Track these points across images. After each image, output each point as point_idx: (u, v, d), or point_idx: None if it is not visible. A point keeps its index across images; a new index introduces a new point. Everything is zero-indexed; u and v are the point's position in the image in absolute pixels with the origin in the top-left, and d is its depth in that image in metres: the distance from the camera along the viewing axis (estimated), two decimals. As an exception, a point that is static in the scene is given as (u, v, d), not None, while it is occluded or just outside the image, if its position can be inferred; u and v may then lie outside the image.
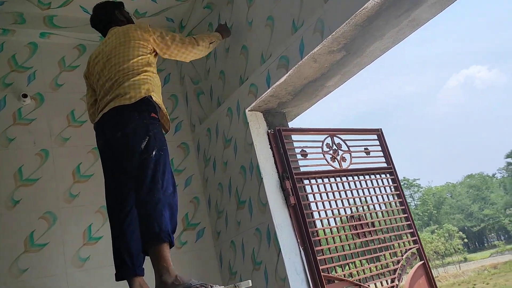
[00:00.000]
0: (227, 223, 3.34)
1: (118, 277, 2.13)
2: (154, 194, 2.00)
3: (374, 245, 3.12)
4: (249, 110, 3.07)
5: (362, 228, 3.13)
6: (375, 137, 3.58)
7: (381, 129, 3.62)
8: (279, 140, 3.05)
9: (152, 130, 2.14)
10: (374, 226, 3.20)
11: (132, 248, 2.07)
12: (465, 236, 38.61)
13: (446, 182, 49.26)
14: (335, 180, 3.18)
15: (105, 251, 3.08)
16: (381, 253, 3.12)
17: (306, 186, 3.04)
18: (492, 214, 41.69)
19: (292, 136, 3.17)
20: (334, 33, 2.32)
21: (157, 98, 2.27)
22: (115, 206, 2.19)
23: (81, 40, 3.57)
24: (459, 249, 36.65)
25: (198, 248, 3.46)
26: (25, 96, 3.17)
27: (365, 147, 3.49)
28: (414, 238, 3.35)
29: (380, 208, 3.33)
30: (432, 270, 3.34)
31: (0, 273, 2.77)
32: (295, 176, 2.96)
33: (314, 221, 2.96)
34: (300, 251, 2.82)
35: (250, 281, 1.89)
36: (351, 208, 3.17)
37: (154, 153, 2.08)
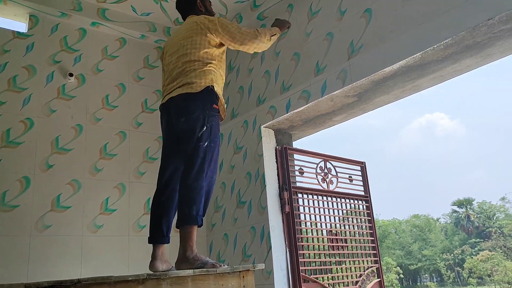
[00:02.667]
0: (223, 217, 3.85)
1: (152, 241, 2.47)
2: (199, 181, 2.34)
3: (344, 258, 3.72)
4: (264, 127, 3.61)
5: (337, 242, 3.72)
6: (359, 168, 4.20)
7: (365, 162, 4.24)
8: (284, 156, 3.61)
9: (210, 122, 2.39)
10: (346, 242, 3.80)
11: (170, 220, 2.48)
12: (401, 272, 40.34)
13: (393, 218, 51.16)
14: (322, 198, 3.76)
15: (117, 222, 3.55)
16: (348, 266, 3.72)
17: (299, 199, 3.60)
18: (430, 256, 43.65)
19: (294, 154, 3.73)
20: (354, 83, 2.91)
21: (218, 88, 2.51)
22: (165, 181, 2.53)
23: (124, 34, 4.01)
24: (393, 283, 38.31)
25: (191, 235, 3.94)
26: (71, 75, 3.59)
27: (350, 175, 4.10)
28: (376, 258, 3.98)
29: (353, 228, 3.94)
30: (385, 288, 3.96)
31: (28, 225, 3.17)
32: (292, 189, 3.53)
33: (301, 229, 3.52)
34: (286, 251, 3.38)
35: (263, 264, 2.40)
36: (331, 224, 3.75)
37: (206, 143, 2.38)
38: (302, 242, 3.48)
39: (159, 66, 3.64)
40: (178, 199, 2.42)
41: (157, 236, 2.47)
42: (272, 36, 2.79)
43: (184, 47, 2.55)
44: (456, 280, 39.97)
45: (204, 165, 2.38)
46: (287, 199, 3.48)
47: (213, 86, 2.46)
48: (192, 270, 2.03)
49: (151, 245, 2.47)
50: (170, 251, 3.00)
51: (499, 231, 38.91)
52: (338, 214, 3.86)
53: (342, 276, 3.65)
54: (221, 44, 2.66)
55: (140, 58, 4.10)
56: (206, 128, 2.39)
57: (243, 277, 2.14)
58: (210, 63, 2.53)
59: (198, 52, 2.52)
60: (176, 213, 2.42)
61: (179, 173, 2.49)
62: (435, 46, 2.50)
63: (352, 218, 3.96)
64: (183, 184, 2.38)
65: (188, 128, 2.40)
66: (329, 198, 3.82)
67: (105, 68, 3.87)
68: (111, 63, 3.92)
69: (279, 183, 3.54)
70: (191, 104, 2.41)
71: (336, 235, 3.75)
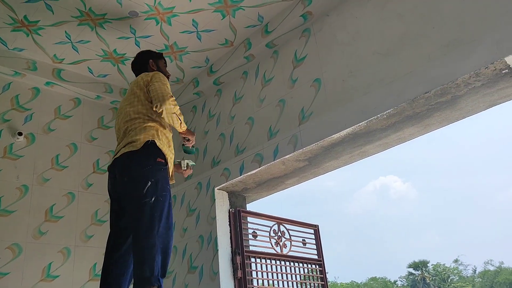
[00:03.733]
0: (174, 283, 3.70)
1: None
2: (149, 240, 2.21)
3: (298, 325, 3.63)
4: (217, 189, 3.61)
5: (290, 309, 3.64)
6: (312, 231, 4.22)
7: (318, 225, 4.27)
8: (238, 219, 3.58)
9: (155, 177, 2.29)
10: (300, 309, 3.73)
11: (122, 285, 2.34)
12: (361, 337, 39.47)
13: (352, 281, 50.73)
14: (276, 262, 3.72)
15: (59, 290, 3.33)
16: (302, 333, 3.63)
17: (252, 263, 3.55)
18: (388, 320, 43.17)
19: (248, 217, 3.72)
20: (304, 148, 3.00)
21: (161, 145, 2.39)
22: (113, 244, 2.41)
23: (79, 94, 3.99)
24: None
25: (139, 302, 3.74)
26: (20, 134, 3.49)
27: (303, 238, 4.10)
28: (330, 325, 3.90)
29: (307, 293, 3.88)
30: None
31: (-42, 294, 2.93)
32: (245, 253, 3.47)
33: (253, 295, 3.44)
34: (238, 319, 3.26)
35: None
36: (284, 289, 3.69)
37: (153, 198, 2.26)
38: (254, 309, 3.39)
39: (114, 126, 3.63)
40: (132, 264, 2.32)
41: None
42: (181, 118, 2.53)
43: (127, 106, 2.54)
44: None
45: (154, 222, 2.25)
46: (240, 263, 3.42)
47: (153, 141, 2.38)
48: None
49: None
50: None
51: (454, 293, 39.27)
52: (292, 278, 3.81)
53: None
54: None
55: (95, 118, 4.07)
56: (151, 183, 2.29)
57: None
58: (153, 120, 2.46)
59: (139, 110, 2.48)
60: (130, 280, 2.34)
61: (126, 236, 2.39)
62: (379, 115, 2.65)
63: (306, 283, 3.91)
64: (134, 245, 2.26)
65: (132, 186, 2.31)
66: (283, 262, 3.78)
67: (57, 127, 3.80)
68: (64, 123, 3.86)
69: (232, 247, 3.49)
70: (133, 162, 2.35)
71: (290, 301, 3.68)
